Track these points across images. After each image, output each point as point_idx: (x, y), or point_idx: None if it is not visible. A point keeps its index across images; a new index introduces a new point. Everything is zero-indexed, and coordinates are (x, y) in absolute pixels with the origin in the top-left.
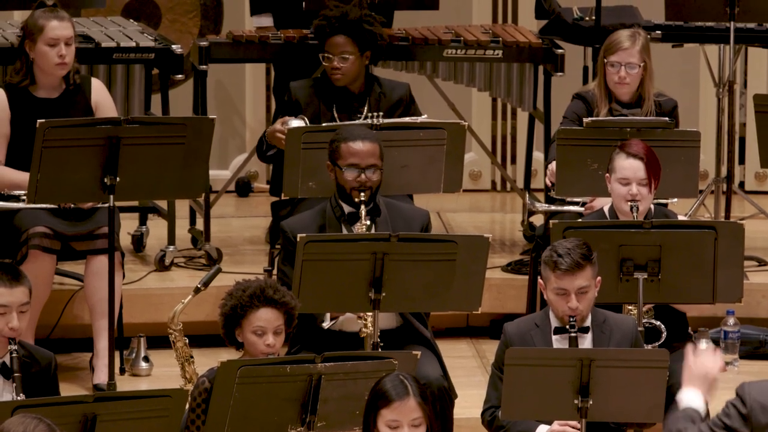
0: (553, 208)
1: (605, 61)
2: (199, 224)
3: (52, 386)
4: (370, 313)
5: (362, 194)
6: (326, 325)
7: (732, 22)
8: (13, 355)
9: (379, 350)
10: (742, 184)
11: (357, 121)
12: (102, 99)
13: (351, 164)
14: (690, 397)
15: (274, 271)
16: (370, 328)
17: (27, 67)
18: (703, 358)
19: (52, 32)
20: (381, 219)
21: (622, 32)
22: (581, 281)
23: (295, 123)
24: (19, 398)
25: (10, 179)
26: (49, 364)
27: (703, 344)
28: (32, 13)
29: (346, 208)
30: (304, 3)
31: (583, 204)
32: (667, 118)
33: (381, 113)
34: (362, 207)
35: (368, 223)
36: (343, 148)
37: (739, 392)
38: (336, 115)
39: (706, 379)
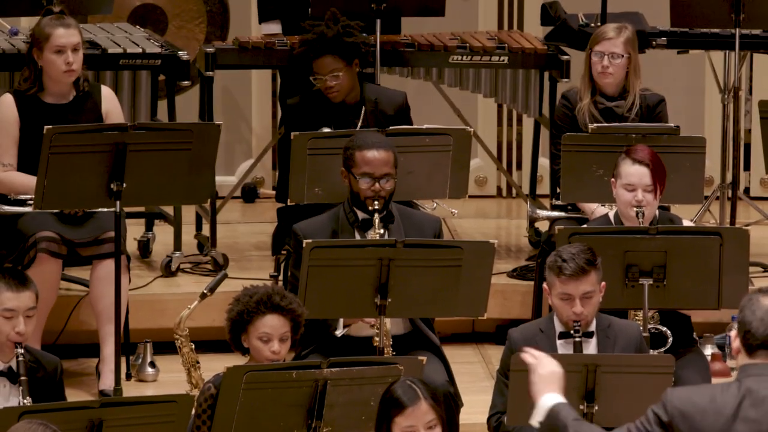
0: (554, 214)
1: (590, 51)
2: (206, 230)
3: (58, 391)
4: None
5: (376, 203)
6: (339, 333)
7: (737, 29)
8: (20, 359)
9: (390, 354)
10: (747, 190)
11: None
12: (112, 107)
13: (365, 173)
14: (552, 397)
15: (280, 277)
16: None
17: (35, 75)
18: (544, 362)
19: (59, 40)
20: (394, 226)
21: (608, 24)
22: (586, 286)
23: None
24: (25, 402)
25: (22, 183)
26: (55, 370)
27: (708, 350)
28: (39, 20)
29: (360, 215)
30: (310, 9)
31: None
32: (673, 124)
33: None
34: (376, 215)
35: (381, 231)
36: (357, 157)
37: (663, 398)
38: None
39: (559, 378)
